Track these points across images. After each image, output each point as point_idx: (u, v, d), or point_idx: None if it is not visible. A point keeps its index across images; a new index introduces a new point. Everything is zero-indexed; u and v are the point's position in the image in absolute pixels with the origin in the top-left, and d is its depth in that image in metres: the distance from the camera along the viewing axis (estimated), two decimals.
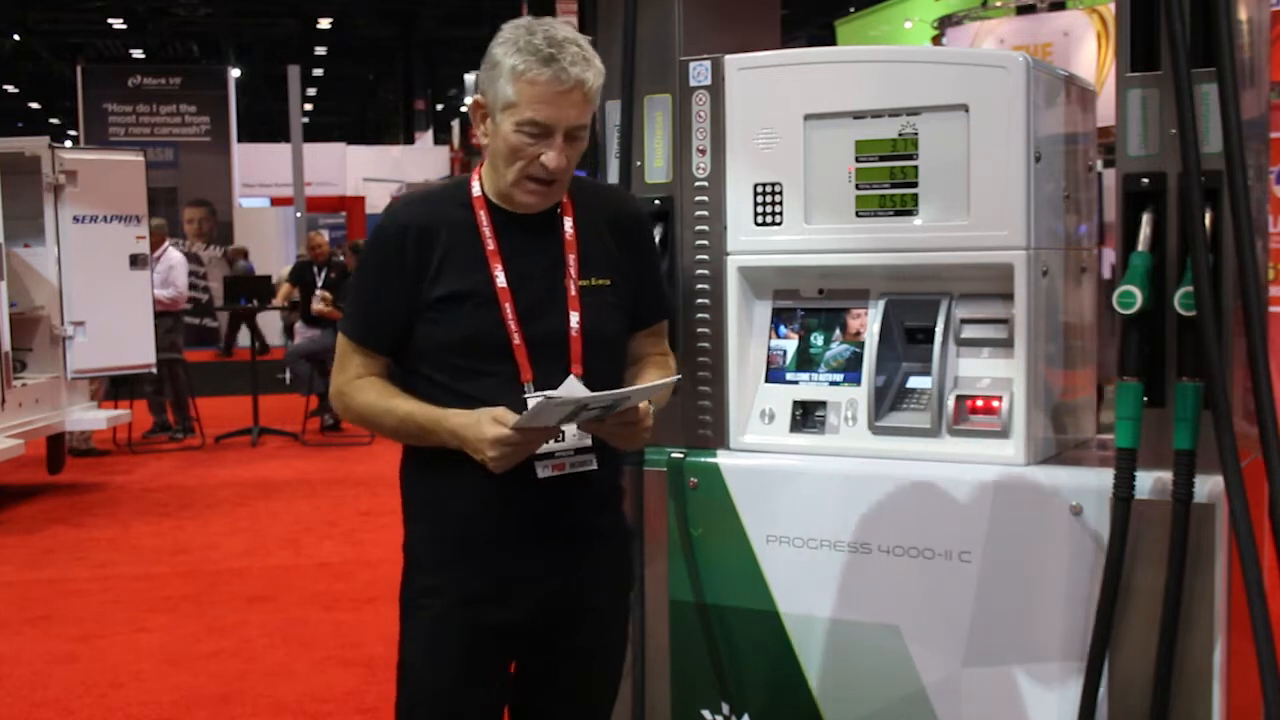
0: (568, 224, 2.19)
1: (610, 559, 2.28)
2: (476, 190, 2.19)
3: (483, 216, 2.16)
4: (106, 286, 8.39)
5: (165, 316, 10.28)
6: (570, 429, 2.09)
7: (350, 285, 2.32)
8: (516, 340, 2.10)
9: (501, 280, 2.12)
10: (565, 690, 2.25)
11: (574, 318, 2.14)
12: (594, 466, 2.15)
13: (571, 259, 2.16)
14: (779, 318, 2.74)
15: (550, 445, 2.09)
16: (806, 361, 2.70)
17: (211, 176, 20.97)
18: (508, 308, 2.11)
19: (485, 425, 2.02)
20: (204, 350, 17.50)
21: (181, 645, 5.04)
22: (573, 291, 2.15)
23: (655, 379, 2.23)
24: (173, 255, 10.62)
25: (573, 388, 2.00)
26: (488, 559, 2.15)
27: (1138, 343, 2.32)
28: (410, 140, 28.52)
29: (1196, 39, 2.26)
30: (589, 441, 2.13)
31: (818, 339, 2.69)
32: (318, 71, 28.82)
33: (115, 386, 9.87)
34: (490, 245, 2.14)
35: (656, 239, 2.31)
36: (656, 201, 2.75)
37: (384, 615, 5.01)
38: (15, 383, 7.77)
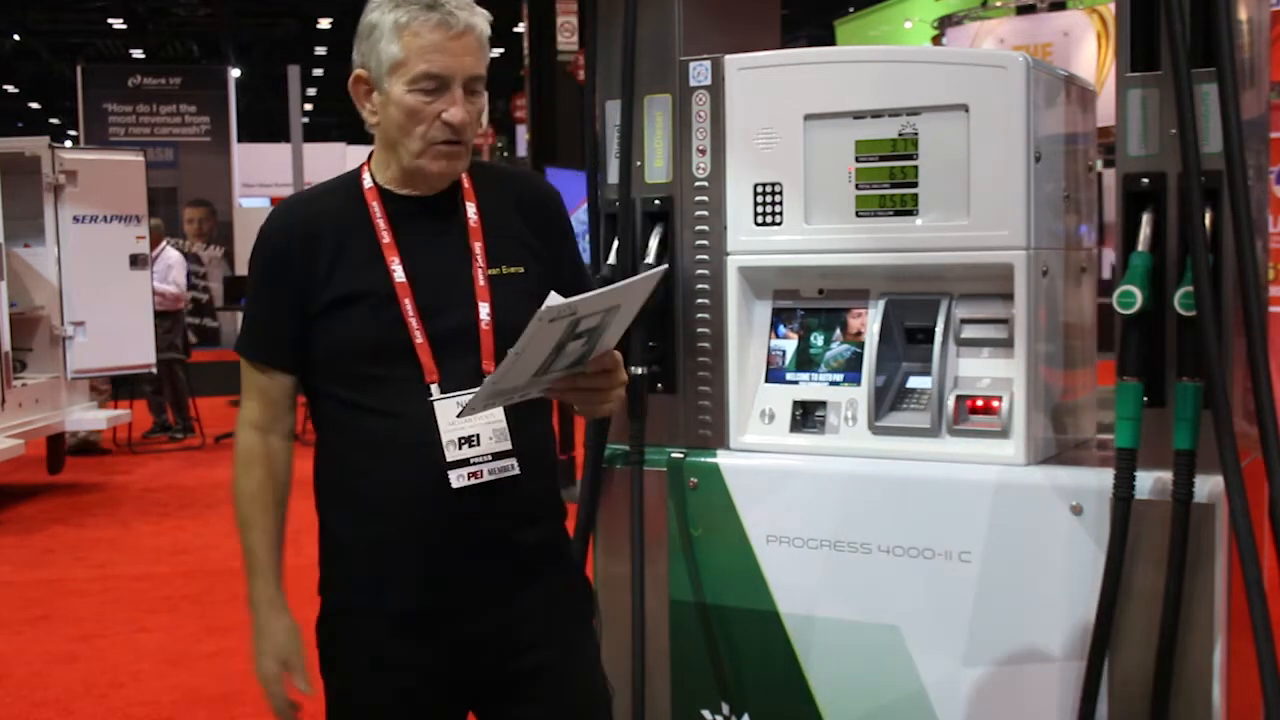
0: (470, 209, 2.03)
1: (556, 590, 2.07)
2: (368, 182, 2.03)
3: (376, 208, 2.00)
4: (106, 286, 8.41)
5: (164, 317, 10.28)
6: (486, 425, 1.93)
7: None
8: (419, 339, 1.94)
9: (400, 275, 1.96)
10: None
11: (484, 309, 1.97)
12: (516, 472, 1.96)
13: (478, 247, 2.01)
14: (779, 318, 2.74)
15: (465, 451, 1.93)
16: (806, 361, 2.70)
17: (211, 176, 20.96)
18: (407, 304, 1.95)
19: (264, 660, 1.99)
20: (203, 350, 17.50)
21: (181, 645, 5.04)
22: (481, 281, 1.99)
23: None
24: (170, 254, 10.63)
25: (556, 298, 1.79)
26: (407, 589, 1.98)
27: (1138, 343, 2.32)
28: None
29: (1196, 39, 2.26)
30: (508, 444, 1.96)
31: (818, 339, 2.69)
32: (318, 71, 28.81)
33: (115, 386, 9.87)
34: (386, 238, 1.98)
35: (569, 216, 2.18)
36: (656, 201, 2.74)
37: None
38: (15, 383, 7.78)
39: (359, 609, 2.03)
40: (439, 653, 2.00)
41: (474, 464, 1.95)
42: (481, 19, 1.96)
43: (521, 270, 2.04)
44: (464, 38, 1.92)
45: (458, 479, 1.94)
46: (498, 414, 1.96)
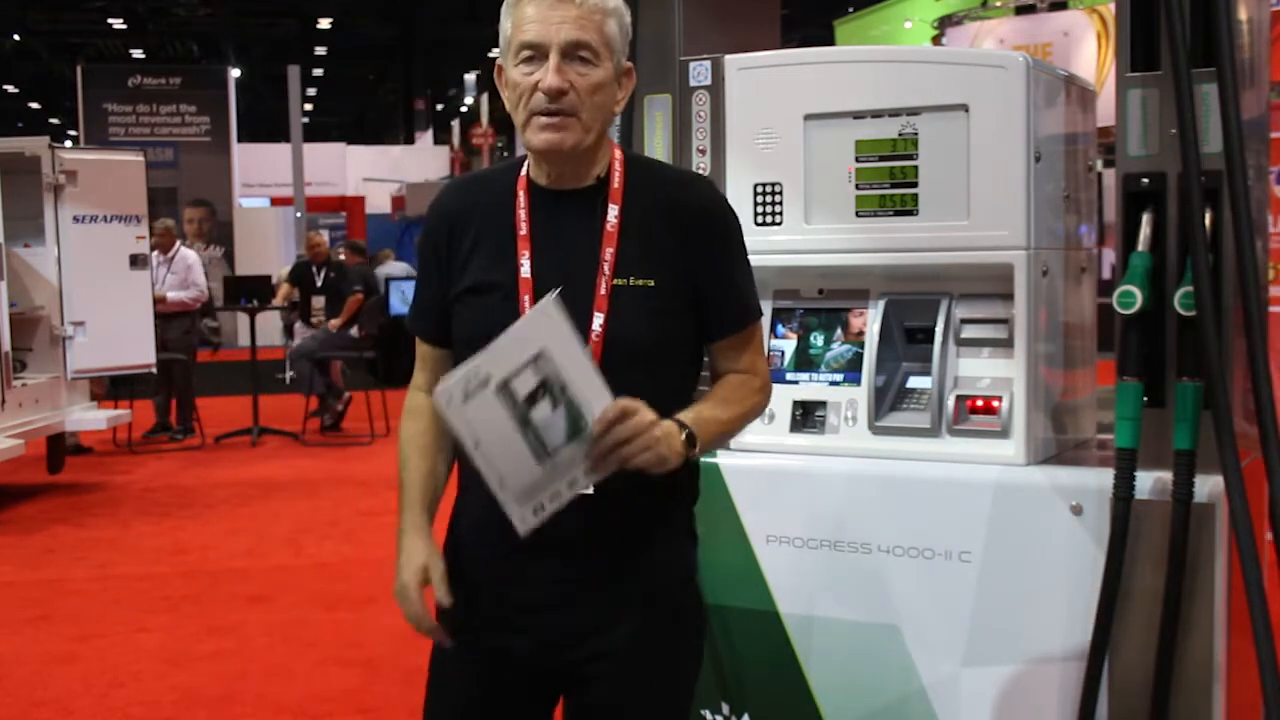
0: (613, 212, 1.93)
1: (648, 602, 1.98)
2: (523, 171, 2.00)
3: (521, 198, 1.96)
4: (106, 286, 8.40)
5: (183, 317, 10.29)
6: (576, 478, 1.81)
7: None
8: None
9: (526, 270, 1.91)
10: None
11: (597, 320, 1.89)
12: (589, 490, 1.86)
13: (608, 253, 1.91)
14: (779, 318, 2.74)
15: None
16: (806, 361, 2.70)
17: (211, 176, 20.98)
18: (526, 300, 1.90)
19: (403, 573, 1.97)
20: (203, 350, 17.49)
21: (181, 645, 5.04)
22: (602, 290, 1.90)
23: (721, 400, 1.96)
24: (188, 254, 10.62)
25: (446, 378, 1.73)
26: (488, 580, 2.00)
27: (1138, 343, 2.32)
28: (410, 140, 28.54)
29: (1196, 39, 2.26)
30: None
31: (818, 339, 2.69)
32: (318, 71, 28.83)
33: (115, 387, 9.87)
34: (522, 230, 1.94)
35: (739, 235, 2.03)
36: None
37: (384, 615, 5.01)
38: (15, 383, 7.77)
39: (455, 591, 2.01)
40: (515, 642, 2.00)
41: None
42: None
43: (652, 284, 1.91)
44: (562, 7, 1.86)
45: None
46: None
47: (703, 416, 1.91)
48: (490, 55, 27.56)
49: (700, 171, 2.71)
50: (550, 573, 1.96)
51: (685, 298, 1.94)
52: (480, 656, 2.03)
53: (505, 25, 1.93)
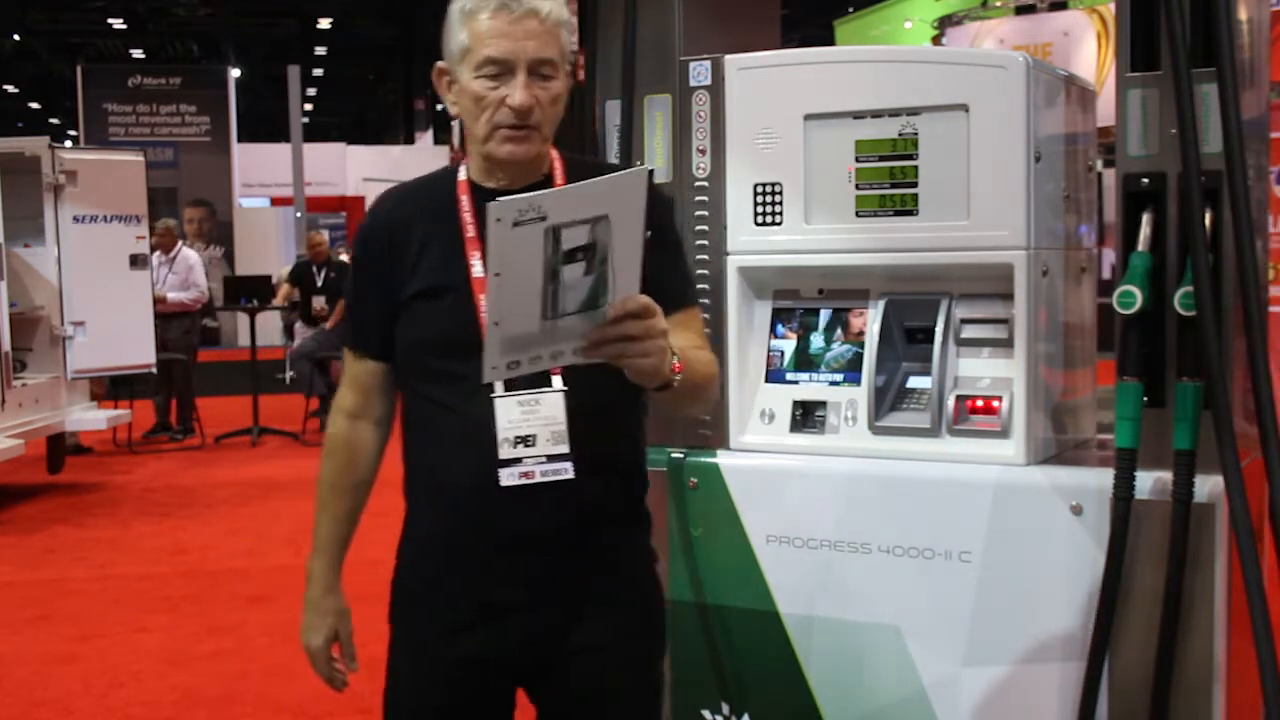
0: None
1: (620, 593, 2.05)
2: (462, 174, 2.04)
3: (464, 201, 2.01)
4: (106, 286, 8.41)
5: (184, 317, 10.29)
6: (545, 427, 1.89)
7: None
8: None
9: (479, 270, 1.95)
10: None
11: None
12: (569, 475, 1.93)
13: None
14: (779, 318, 2.74)
15: (519, 450, 1.92)
16: (806, 361, 2.70)
17: (211, 176, 20.98)
18: (482, 299, 1.92)
19: (311, 634, 2.08)
20: (203, 350, 17.50)
21: (181, 645, 5.04)
22: None
23: (696, 358, 1.95)
24: (189, 255, 10.63)
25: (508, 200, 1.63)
26: (459, 582, 2.01)
27: (1138, 343, 2.32)
28: (410, 140, 28.52)
29: (1196, 39, 2.26)
30: (565, 448, 1.93)
31: (818, 339, 2.69)
32: (318, 71, 28.82)
33: (115, 387, 9.87)
34: (469, 232, 1.98)
35: (673, 221, 2.11)
36: None
37: (384, 615, 5.00)
38: (15, 383, 7.78)
39: (414, 594, 2.08)
40: (484, 645, 2.01)
41: (527, 464, 1.93)
42: (550, 3, 1.93)
43: None
44: (526, 21, 1.90)
45: (508, 477, 1.93)
46: (558, 416, 1.93)
47: (689, 357, 1.91)
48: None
49: (700, 171, 2.71)
50: (529, 569, 1.99)
51: None
52: (449, 663, 2.04)
53: (460, 36, 1.94)
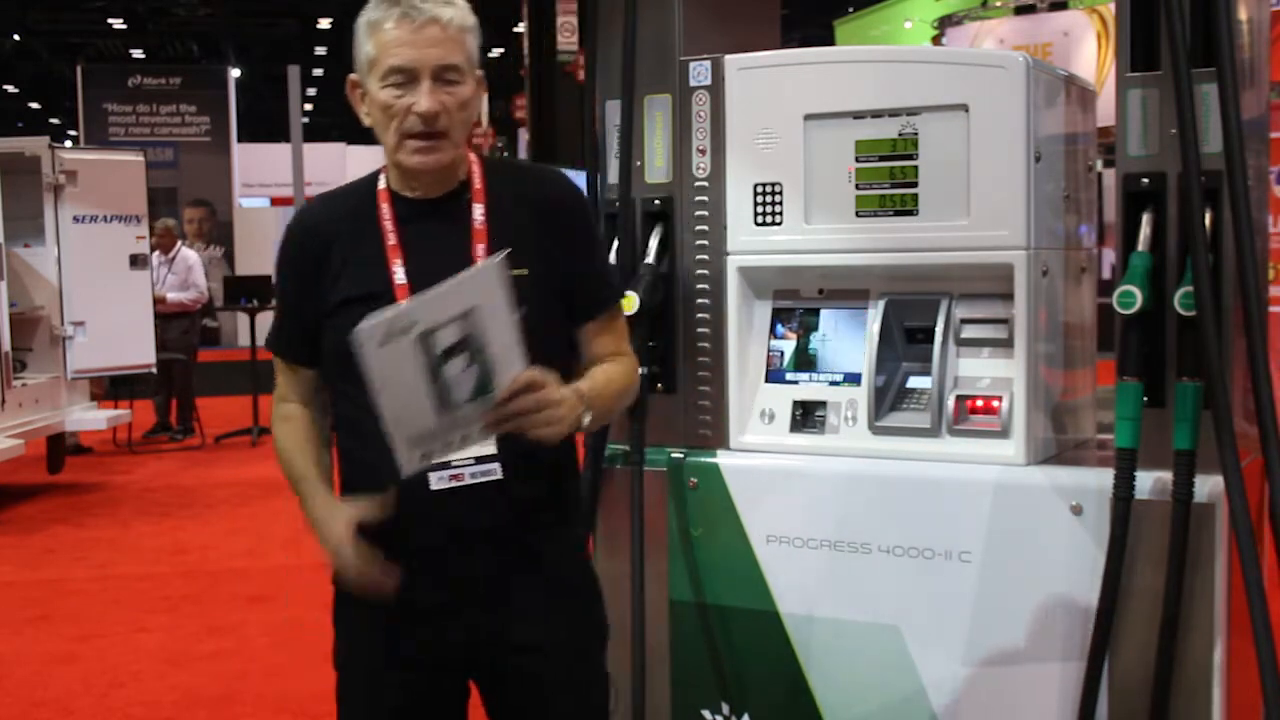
0: (478, 211, 2.02)
1: (556, 588, 2.07)
2: (381, 184, 2.06)
3: (385, 209, 2.03)
4: (106, 286, 8.40)
5: (183, 317, 10.28)
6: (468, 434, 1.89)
7: None
8: None
9: (401, 277, 1.98)
10: None
11: None
12: (498, 476, 1.96)
13: (480, 249, 1.99)
14: (779, 318, 2.74)
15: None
16: (806, 361, 2.69)
17: (211, 176, 20.96)
18: None
19: (332, 524, 1.96)
20: (203, 350, 17.51)
21: (181, 645, 5.04)
22: None
23: (607, 377, 2.04)
24: (189, 255, 10.61)
25: (373, 315, 1.72)
26: (405, 584, 1.98)
27: (1138, 343, 2.32)
28: None
29: (1196, 39, 2.26)
30: (492, 449, 1.96)
31: (818, 339, 2.69)
32: (318, 71, 28.80)
33: (115, 387, 9.87)
34: (391, 240, 2.00)
35: (593, 221, 2.16)
36: (656, 201, 2.75)
37: None
38: (15, 383, 7.78)
39: (354, 597, 2.07)
40: (428, 644, 2.04)
41: (455, 467, 1.96)
42: (451, 9, 1.96)
43: (525, 273, 1.97)
44: (427, 29, 1.93)
45: (438, 481, 1.96)
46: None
47: (597, 384, 2.00)
48: (490, 55, 27.55)
49: (700, 171, 2.71)
50: (461, 570, 2.01)
51: (557, 285, 2.04)
52: (395, 664, 2.05)
53: (367, 47, 1.98)
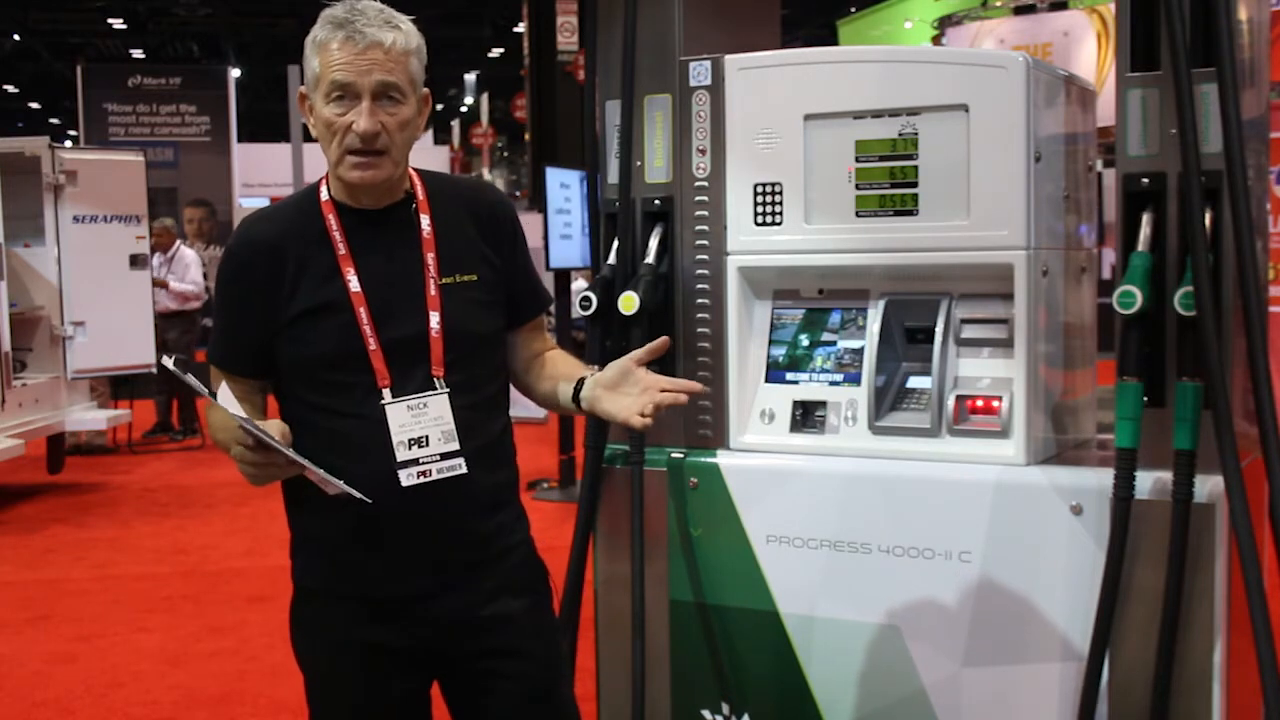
0: (425, 221, 2.14)
1: (517, 569, 2.22)
2: (324, 195, 2.13)
3: (332, 221, 2.10)
4: (106, 286, 8.40)
5: (183, 317, 10.28)
6: (435, 427, 2.06)
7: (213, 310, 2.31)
8: (372, 346, 2.05)
9: (355, 285, 2.07)
10: (499, 709, 2.20)
11: (434, 318, 2.09)
12: (463, 471, 2.08)
13: (430, 257, 2.11)
14: (778, 318, 2.74)
15: (415, 451, 2.05)
16: (806, 361, 2.69)
17: (211, 176, 20.95)
18: (362, 313, 2.06)
19: (226, 421, 2.00)
20: (203, 350, 17.52)
21: (181, 645, 5.04)
22: (433, 291, 2.10)
23: (568, 370, 2.28)
24: (187, 254, 10.61)
25: (228, 399, 1.94)
26: (368, 579, 2.13)
27: (1138, 343, 2.32)
28: None
29: (1196, 39, 2.26)
30: (456, 445, 2.08)
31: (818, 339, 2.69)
32: None
33: (115, 386, 9.87)
34: (341, 250, 2.09)
35: (523, 230, 2.30)
36: (656, 201, 2.75)
37: None
38: (15, 383, 7.78)
39: (324, 594, 2.20)
40: (399, 634, 2.13)
41: (423, 463, 2.07)
42: (395, 33, 2.03)
43: (475, 278, 2.14)
44: (370, 52, 2.00)
45: (407, 478, 2.06)
46: (445, 415, 2.08)
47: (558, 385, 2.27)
48: (490, 55, 27.53)
49: (700, 171, 2.71)
50: (432, 560, 2.11)
51: (501, 289, 2.20)
52: (364, 656, 2.14)
53: (313, 63, 2.04)
